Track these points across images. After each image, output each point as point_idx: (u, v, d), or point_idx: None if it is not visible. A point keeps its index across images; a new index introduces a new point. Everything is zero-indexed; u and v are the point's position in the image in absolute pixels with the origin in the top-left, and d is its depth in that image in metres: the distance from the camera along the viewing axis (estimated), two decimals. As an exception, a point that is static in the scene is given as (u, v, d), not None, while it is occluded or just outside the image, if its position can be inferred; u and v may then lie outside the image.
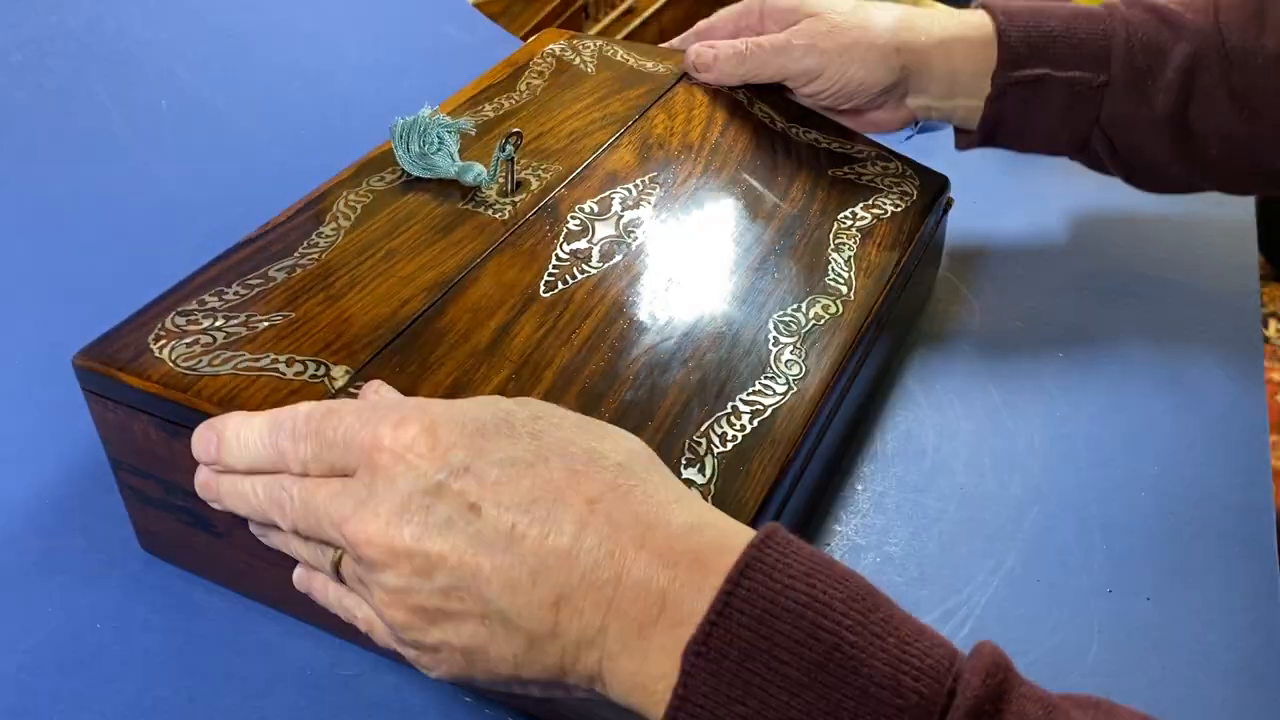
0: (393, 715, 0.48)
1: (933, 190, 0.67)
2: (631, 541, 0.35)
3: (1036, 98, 0.65)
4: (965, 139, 0.70)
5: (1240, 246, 0.80)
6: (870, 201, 0.64)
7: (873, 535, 0.57)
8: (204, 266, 0.53)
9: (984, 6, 0.67)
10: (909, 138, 0.84)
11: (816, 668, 0.33)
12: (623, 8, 2.15)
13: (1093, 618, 0.54)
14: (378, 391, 0.44)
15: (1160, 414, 0.65)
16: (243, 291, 0.51)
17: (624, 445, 0.39)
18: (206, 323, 0.49)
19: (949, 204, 0.70)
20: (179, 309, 0.50)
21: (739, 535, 0.36)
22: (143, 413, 0.47)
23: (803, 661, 0.33)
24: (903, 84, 0.67)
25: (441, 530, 0.36)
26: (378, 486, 0.37)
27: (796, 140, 0.68)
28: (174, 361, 0.47)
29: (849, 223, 0.62)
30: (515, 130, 0.58)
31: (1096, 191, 0.70)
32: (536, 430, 0.38)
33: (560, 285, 0.54)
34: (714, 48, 0.69)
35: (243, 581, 0.52)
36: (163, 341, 0.48)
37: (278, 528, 0.42)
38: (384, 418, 0.38)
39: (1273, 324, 2.33)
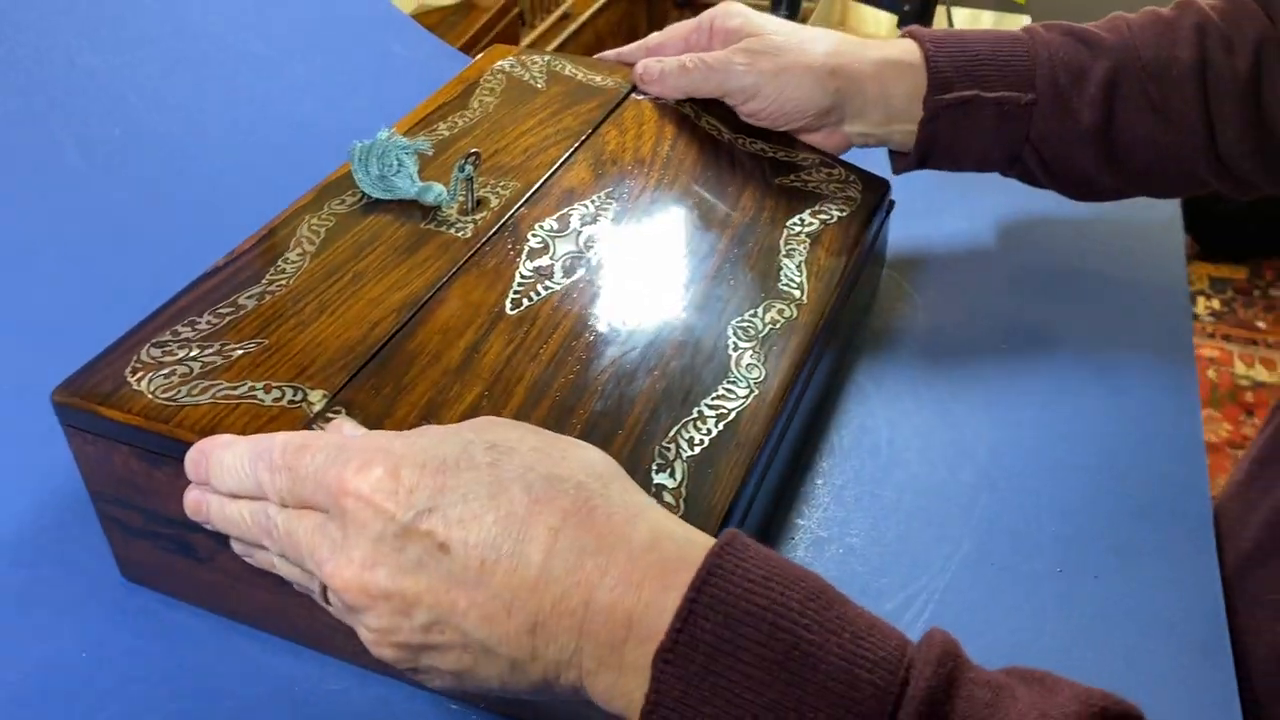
0: (382, 726, 0.50)
1: (875, 194, 0.69)
2: (596, 568, 0.37)
3: (968, 119, 0.67)
4: (902, 162, 0.72)
5: (1167, 234, 0.84)
6: (817, 207, 0.66)
7: (834, 528, 0.60)
8: (174, 297, 0.54)
9: (909, 35, 0.69)
10: None
11: (777, 666, 0.35)
12: (558, 13, 2.16)
13: (1045, 597, 0.57)
14: (340, 429, 0.45)
15: (1099, 399, 0.68)
16: (214, 321, 0.52)
17: (582, 463, 0.40)
18: (182, 353, 0.50)
19: (891, 206, 0.72)
20: (153, 340, 0.51)
21: (698, 545, 0.38)
22: (124, 444, 0.48)
23: (764, 661, 0.35)
24: (838, 108, 0.69)
25: (414, 571, 0.38)
26: (349, 531, 0.39)
27: (743, 150, 0.70)
28: (153, 393, 0.48)
29: (798, 229, 0.65)
30: (474, 150, 0.60)
31: (1029, 189, 0.74)
32: (495, 460, 0.39)
33: (525, 302, 0.55)
34: (661, 63, 0.71)
35: (226, 603, 0.53)
36: (140, 374, 0.49)
37: (261, 548, 0.44)
38: (349, 460, 0.39)
39: (1201, 301, 2.41)
